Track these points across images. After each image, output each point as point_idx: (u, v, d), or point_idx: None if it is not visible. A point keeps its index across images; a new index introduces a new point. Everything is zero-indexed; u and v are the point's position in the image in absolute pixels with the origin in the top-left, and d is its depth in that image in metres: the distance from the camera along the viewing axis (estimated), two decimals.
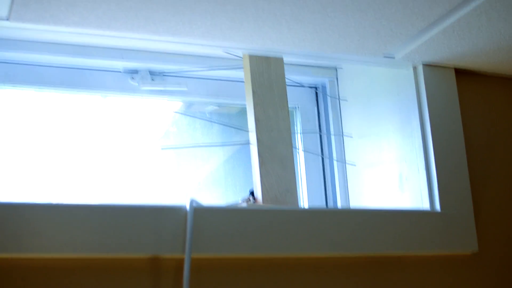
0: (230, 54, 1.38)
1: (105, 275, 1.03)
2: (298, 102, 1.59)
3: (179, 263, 1.06)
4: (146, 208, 1.05)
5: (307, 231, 1.16)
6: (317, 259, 1.19)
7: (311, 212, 1.18)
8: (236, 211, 1.12)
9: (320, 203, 1.53)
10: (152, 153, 1.46)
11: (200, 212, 1.08)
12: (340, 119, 1.57)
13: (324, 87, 1.61)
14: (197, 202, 1.09)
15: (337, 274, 1.20)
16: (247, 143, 1.31)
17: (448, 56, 1.34)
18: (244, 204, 1.24)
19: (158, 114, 1.49)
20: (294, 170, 1.29)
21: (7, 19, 1.08)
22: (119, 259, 1.04)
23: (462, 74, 1.43)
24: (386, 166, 1.41)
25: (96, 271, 1.02)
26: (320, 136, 1.58)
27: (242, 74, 1.41)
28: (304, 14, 1.13)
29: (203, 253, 1.07)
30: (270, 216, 1.14)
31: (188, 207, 1.07)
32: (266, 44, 1.24)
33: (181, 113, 1.51)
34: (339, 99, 1.58)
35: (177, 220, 1.06)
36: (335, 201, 1.53)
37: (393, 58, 1.34)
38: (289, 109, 1.35)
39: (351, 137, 1.52)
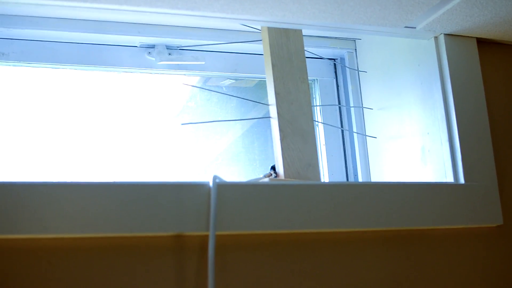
0: (249, 27, 1.36)
1: (129, 254, 1.02)
2: (317, 74, 1.57)
3: (203, 240, 1.05)
4: (169, 186, 1.04)
5: (331, 206, 1.15)
6: (340, 233, 1.18)
7: (336, 187, 1.17)
8: (259, 187, 1.10)
9: (340, 177, 1.52)
10: (170, 128, 1.45)
11: (223, 189, 1.07)
12: (359, 91, 1.55)
13: (342, 59, 1.59)
14: (220, 178, 1.08)
15: (360, 249, 1.19)
16: (268, 117, 1.30)
17: (470, 25, 1.32)
18: (266, 180, 1.23)
19: (175, 89, 1.48)
20: (316, 144, 1.28)
21: None
22: (143, 238, 1.03)
23: (484, 44, 1.41)
24: (408, 139, 1.39)
25: (121, 250, 1.02)
26: (340, 109, 1.56)
27: (259, 47, 1.39)
28: None
29: (227, 230, 1.06)
30: (294, 191, 1.12)
31: (211, 183, 1.06)
32: (286, 16, 1.22)
33: (199, 87, 1.50)
34: (358, 71, 1.56)
35: (201, 197, 1.05)
36: (355, 175, 1.51)
37: (414, 28, 1.32)
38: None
39: (371, 109, 1.50)
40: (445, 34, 1.35)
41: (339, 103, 1.57)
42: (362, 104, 1.54)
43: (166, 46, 1.43)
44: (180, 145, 1.45)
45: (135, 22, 1.38)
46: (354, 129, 1.53)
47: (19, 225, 0.95)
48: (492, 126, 1.35)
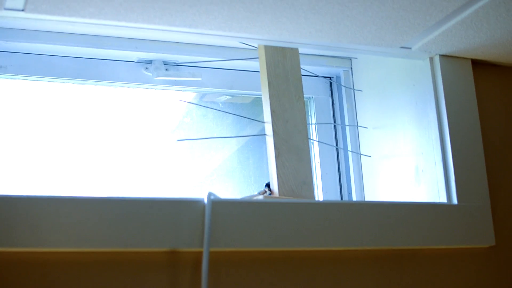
0: (246, 44, 1.37)
1: (124, 269, 1.02)
2: (312, 92, 1.58)
3: (197, 256, 1.05)
4: (164, 202, 1.04)
5: (325, 224, 1.15)
6: (333, 252, 1.18)
7: (330, 205, 1.17)
8: (253, 204, 1.11)
9: (334, 195, 1.52)
10: (166, 144, 1.45)
11: (218, 205, 1.07)
12: (355, 110, 1.56)
13: (338, 78, 1.60)
14: (214, 195, 1.08)
15: (353, 268, 1.19)
16: (263, 134, 1.30)
17: (465, 47, 1.33)
18: (261, 197, 1.23)
19: (171, 104, 1.48)
20: (310, 162, 1.28)
21: (23, 10, 1.07)
22: (138, 253, 1.03)
23: (479, 65, 1.42)
24: (402, 158, 1.40)
25: (115, 265, 1.02)
26: (335, 127, 1.57)
27: (256, 64, 1.39)
28: (322, 4, 1.12)
29: (221, 246, 1.06)
30: (288, 209, 1.13)
31: (205, 200, 1.06)
32: (282, 35, 1.23)
33: (195, 104, 1.50)
34: (353, 89, 1.57)
35: (195, 214, 1.05)
36: (349, 193, 1.52)
37: (410, 49, 1.32)
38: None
39: (366, 128, 1.51)
40: (440, 55, 1.35)
41: (334, 121, 1.57)
42: (357, 122, 1.55)
43: (163, 61, 1.43)
44: (175, 160, 1.46)
45: (132, 37, 1.38)
46: (349, 148, 1.54)
47: (14, 238, 0.95)
48: (485, 147, 1.36)
